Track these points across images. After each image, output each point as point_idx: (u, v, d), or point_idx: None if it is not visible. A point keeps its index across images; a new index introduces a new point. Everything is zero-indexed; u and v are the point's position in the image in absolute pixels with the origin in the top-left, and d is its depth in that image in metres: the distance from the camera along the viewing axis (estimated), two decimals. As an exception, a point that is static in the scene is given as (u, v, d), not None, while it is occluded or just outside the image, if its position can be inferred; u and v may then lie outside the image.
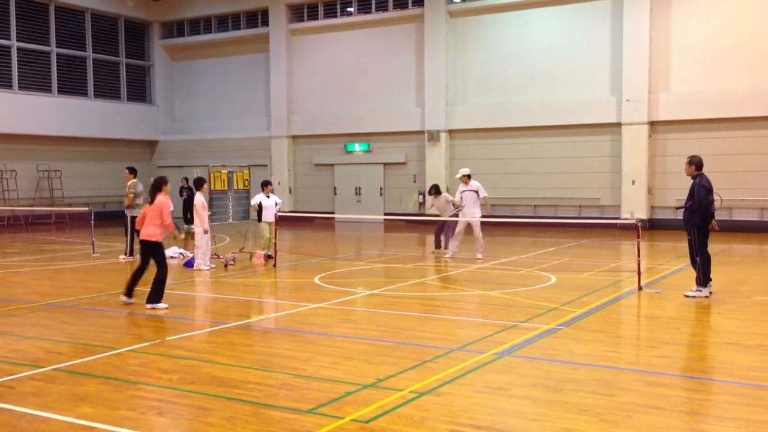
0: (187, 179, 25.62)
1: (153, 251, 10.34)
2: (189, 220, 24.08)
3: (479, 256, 15.54)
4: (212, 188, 16.00)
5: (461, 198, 15.86)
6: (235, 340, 8.34)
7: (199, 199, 14.40)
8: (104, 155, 30.61)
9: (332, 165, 29.32)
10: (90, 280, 13.73)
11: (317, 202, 29.20)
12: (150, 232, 10.28)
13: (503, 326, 8.80)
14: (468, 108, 26.49)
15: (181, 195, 24.47)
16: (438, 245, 16.70)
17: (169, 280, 10.57)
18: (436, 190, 16.73)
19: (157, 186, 10.59)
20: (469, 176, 15.94)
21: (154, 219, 10.30)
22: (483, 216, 15.94)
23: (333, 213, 27.55)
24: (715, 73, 22.61)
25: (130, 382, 6.50)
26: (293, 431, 5.27)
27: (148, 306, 10.01)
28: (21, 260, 16.83)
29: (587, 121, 24.36)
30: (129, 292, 10.40)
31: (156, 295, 10.11)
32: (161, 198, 10.43)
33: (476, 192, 15.71)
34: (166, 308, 9.99)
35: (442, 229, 16.54)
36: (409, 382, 6.41)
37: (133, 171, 16.57)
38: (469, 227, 15.86)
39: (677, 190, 20.62)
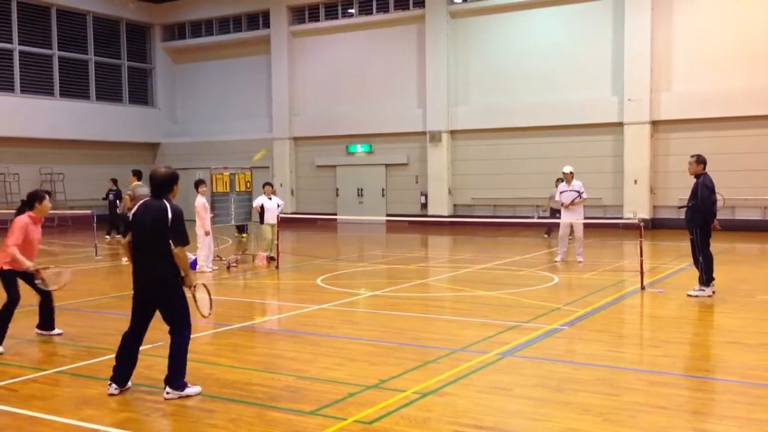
0: (115, 181, 23.32)
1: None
2: (115, 226, 21.50)
3: (579, 258, 14.58)
4: (214, 190, 16.00)
5: (560, 198, 14.87)
6: (238, 341, 8.35)
7: (200, 201, 14.39)
8: (106, 158, 30.63)
9: (334, 166, 29.32)
10: (93, 282, 13.73)
11: (319, 203, 29.20)
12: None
13: (506, 326, 8.80)
14: (469, 108, 26.48)
15: (106, 197, 22.67)
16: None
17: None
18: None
19: (28, 201, 8.07)
20: (572, 174, 14.92)
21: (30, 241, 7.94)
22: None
23: (335, 214, 27.53)
24: (717, 72, 22.58)
25: (133, 384, 6.50)
26: (296, 432, 5.28)
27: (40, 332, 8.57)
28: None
29: (589, 120, 24.34)
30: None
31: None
32: (22, 217, 7.93)
33: (578, 192, 14.65)
34: (60, 334, 8.61)
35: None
36: (412, 383, 6.41)
37: (136, 174, 16.68)
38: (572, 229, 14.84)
39: (680, 190, 20.62)
